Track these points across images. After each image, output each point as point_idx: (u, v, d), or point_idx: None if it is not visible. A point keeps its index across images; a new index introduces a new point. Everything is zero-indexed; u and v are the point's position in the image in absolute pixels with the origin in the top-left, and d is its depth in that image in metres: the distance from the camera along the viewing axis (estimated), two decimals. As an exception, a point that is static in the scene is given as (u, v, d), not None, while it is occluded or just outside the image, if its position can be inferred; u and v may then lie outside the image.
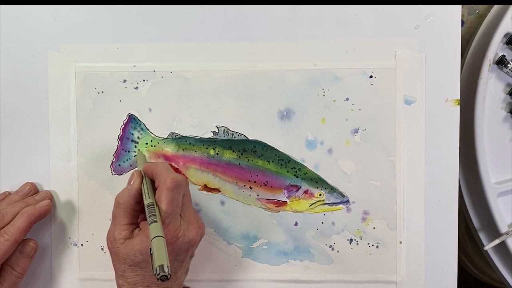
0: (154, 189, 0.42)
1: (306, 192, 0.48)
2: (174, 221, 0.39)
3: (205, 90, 0.48)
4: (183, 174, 0.49)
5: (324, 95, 0.48)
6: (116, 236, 0.40)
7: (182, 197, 0.41)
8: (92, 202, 0.49)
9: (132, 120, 0.49)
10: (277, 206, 0.49)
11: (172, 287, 0.41)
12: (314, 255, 0.49)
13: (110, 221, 0.42)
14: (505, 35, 0.52)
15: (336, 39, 0.48)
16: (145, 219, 0.40)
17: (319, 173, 0.48)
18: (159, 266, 0.34)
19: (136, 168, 0.48)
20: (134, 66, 0.48)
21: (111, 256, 0.41)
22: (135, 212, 0.42)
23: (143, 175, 0.43)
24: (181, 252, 0.41)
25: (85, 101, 0.49)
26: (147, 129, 0.49)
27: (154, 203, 0.39)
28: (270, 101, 0.48)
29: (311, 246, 0.49)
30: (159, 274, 0.34)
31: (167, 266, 0.34)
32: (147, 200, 0.40)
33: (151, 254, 0.35)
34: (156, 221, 0.38)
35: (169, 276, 0.34)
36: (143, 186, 0.42)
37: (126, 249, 0.40)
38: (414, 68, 0.48)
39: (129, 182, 0.43)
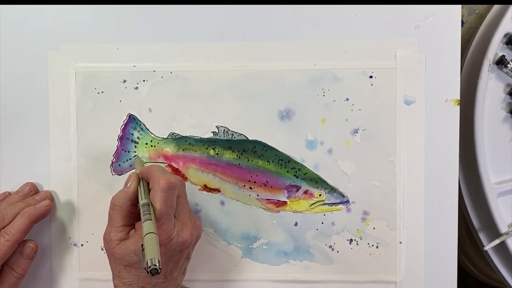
0: (150, 191, 0.41)
1: (306, 192, 0.48)
2: (168, 222, 0.39)
3: (205, 90, 0.48)
4: (183, 175, 0.49)
5: (324, 95, 0.48)
6: (112, 237, 0.40)
7: (177, 198, 0.41)
8: (92, 202, 0.49)
9: (132, 120, 0.49)
10: (277, 206, 0.49)
11: (168, 287, 0.41)
12: (314, 255, 0.49)
13: None
14: (505, 35, 0.52)
15: (336, 39, 0.48)
16: (140, 220, 0.40)
17: (319, 173, 0.48)
18: (150, 259, 0.34)
19: (133, 170, 0.48)
20: (134, 66, 0.48)
21: (108, 256, 0.41)
22: (130, 214, 0.42)
23: (140, 178, 0.43)
24: (175, 253, 0.40)
25: (85, 101, 0.49)
26: (147, 129, 0.49)
27: (150, 204, 0.39)
28: (270, 101, 0.48)
29: (311, 246, 0.49)
30: (149, 267, 0.34)
31: (158, 260, 0.34)
32: (142, 200, 0.40)
33: (143, 250, 0.35)
34: (150, 219, 0.37)
35: (159, 270, 0.34)
36: (140, 188, 0.42)
37: (121, 249, 0.40)
38: (414, 68, 0.48)
39: (125, 184, 0.42)
